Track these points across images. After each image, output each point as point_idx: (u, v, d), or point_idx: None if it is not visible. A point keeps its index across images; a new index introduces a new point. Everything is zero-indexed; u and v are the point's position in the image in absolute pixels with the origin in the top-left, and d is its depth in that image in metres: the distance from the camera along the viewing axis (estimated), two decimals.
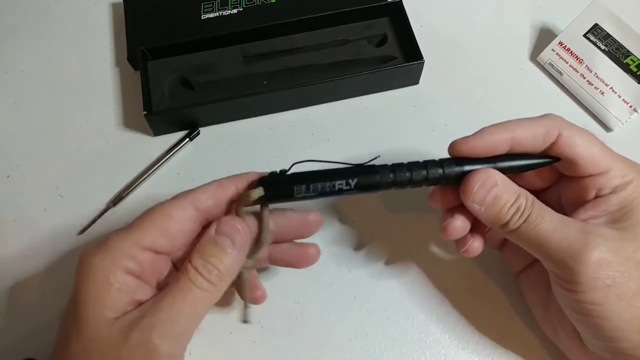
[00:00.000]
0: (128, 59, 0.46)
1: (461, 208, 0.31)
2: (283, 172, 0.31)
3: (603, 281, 0.27)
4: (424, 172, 0.30)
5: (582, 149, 0.29)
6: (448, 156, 0.31)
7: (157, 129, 0.43)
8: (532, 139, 0.30)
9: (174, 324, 0.27)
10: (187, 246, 0.31)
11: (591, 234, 0.28)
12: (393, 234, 0.39)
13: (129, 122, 0.44)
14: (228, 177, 0.31)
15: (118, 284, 0.27)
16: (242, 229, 0.29)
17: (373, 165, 0.30)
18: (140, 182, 0.41)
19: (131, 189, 0.41)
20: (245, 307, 0.32)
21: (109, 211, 0.41)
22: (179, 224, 0.29)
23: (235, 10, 0.47)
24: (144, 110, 0.41)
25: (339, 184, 0.29)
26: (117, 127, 0.44)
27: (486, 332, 0.36)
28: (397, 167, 0.30)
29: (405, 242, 0.39)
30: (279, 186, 0.30)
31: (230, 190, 0.31)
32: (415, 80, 0.45)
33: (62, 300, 0.37)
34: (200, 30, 0.46)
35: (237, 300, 0.37)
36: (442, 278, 0.38)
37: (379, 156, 0.31)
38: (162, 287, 0.29)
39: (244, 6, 0.47)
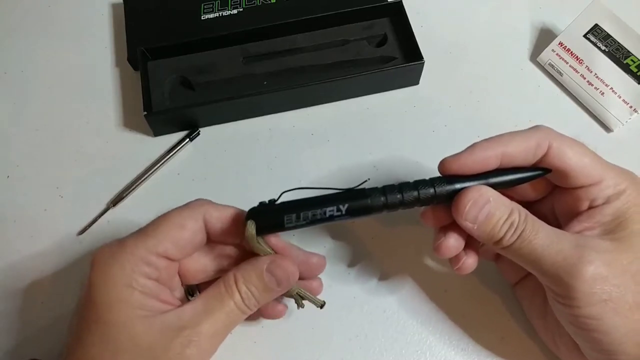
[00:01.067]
0: (128, 59, 0.46)
1: (454, 225, 0.31)
2: (272, 201, 0.30)
3: (599, 296, 0.27)
4: (415, 193, 0.29)
5: (573, 160, 0.29)
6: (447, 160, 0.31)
7: (157, 130, 0.43)
8: (523, 152, 0.29)
9: (212, 338, 0.28)
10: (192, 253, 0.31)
11: (586, 248, 0.27)
12: (393, 235, 0.39)
13: (129, 123, 0.44)
14: (242, 210, 0.32)
15: (141, 287, 0.28)
16: (293, 274, 0.30)
17: (363, 189, 0.30)
18: (140, 182, 0.41)
19: (131, 189, 0.41)
20: (311, 297, 0.32)
21: (109, 211, 0.41)
22: (190, 235, 0.30)
23: (235, 11, 0.47)
24: (144, 111, 0.41)
25: (330, 210, 0.29)
26: (117, 128, 0.44)
27: (486, 333, 0.36)
28: (388, 190, 0.30)
29: (406, 243, 0.39)
30: (269, 217, 0.29)
31: (239, 220, 0.31)
32: (415, 81, 0.45)
33: (64, 300, 0.37)
34: (200, 30, 0.46)
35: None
36: (442, 279, 0.38)
37: (369, 179, 0.31)
38: (176, 292, 0.32)
39: (244, 6, 0.47)
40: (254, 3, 0.47)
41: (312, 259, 0.33)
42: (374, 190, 0.30)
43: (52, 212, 0.41)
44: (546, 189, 0.33)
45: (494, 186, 0.30)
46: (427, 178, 0.30)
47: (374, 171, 0.42)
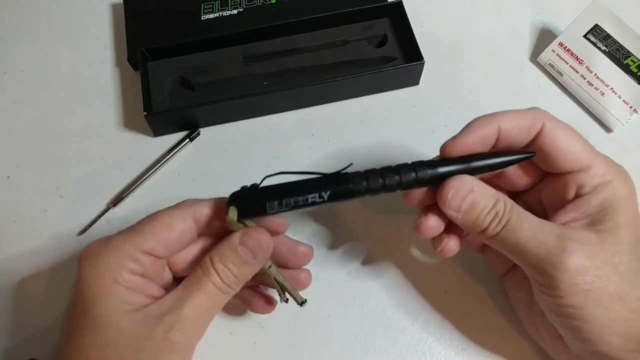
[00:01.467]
0: (128, 59, 0.46)
1: (437, 207, 0.31)
2: (254, 186, 0.30)
3: (581, 286, 0.27)
4: (397, 177, 0.29)
5: (564, 143, 0.29)
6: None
7: (157, 130, 0.43)
8: (517, 129, 0.30)
9: (196, 321, 0.29)
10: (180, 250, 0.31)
11: (569, 240, 0.28)
12: (393, 235, 0.39)
13: (129, 123, 0.44)
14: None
15: (126, 282, 0.28)
16: (266, 242, 0.30)
17: (345, 174, 0.30)
18: (141, 182, 0.41)
19: (131, 189, 0.41)
20: (293, 292, 0.32)
21: (109, 212, 0.41)
22: (179, 235, 0.30)
23: (235, 11, 0.47)
24: (144, 111, 0.41)
25: (312, 197, 0.29)
26: (117, 128, 0.44)
27: (486, 333, 0.36)
28: (369, 174, 0.29)
29: (405, 243, 0.39)
30: (250, 202, 0.29)
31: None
32: (415, 81, 0.45)
33: (64, 301, 0.37)
34: (200, 30, 0.46)
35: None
36: (442, 279, 0.38)
37: (352, 164, 0.31)
38: (166, 285, 0.31)
39: (244, 7, 0.47)
40: (254, 3, 0.47)
41: (300, 247, 0.33)
42: (355, 175, 0.30)
43: (52, 212, 0.41)
44: (534, 177, 0.33)
45: (479, 169, 0.30)
46: (409, 162, 0.30)
47: None
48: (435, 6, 0.50)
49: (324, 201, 0.29)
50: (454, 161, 0.30)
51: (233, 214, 0.29)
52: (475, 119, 0.30)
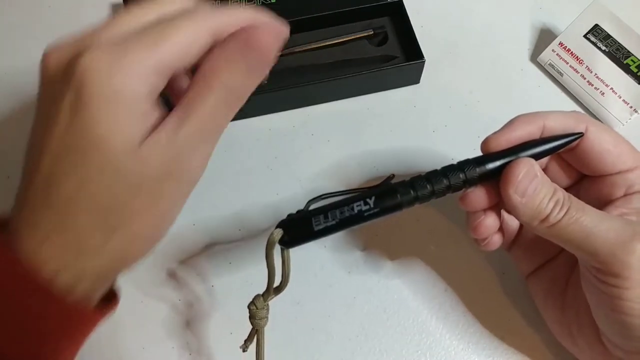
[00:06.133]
0: None
1: (491, 207, 0.30)
2: (299, 211, 0.30)
3: None
4: (446, 181, 0.28)
5: (611, 145, 0.29)
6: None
7: None
8: (562, 129, 0.29)
9: (203, 134, 0.24)
10: None
11: (637, 226, 0.27)
12: (393, 235, 0.39)
13: None
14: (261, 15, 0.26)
15: (143, 107, 0.22)
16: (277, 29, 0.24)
17: (392, 184, 0.29)
18: None
19: None
20: (261, 352, 0.31)
21: None
22: (198, 52, 0.23)
23: None
24: None
25: (357, 205, 0.28)
26: None
27: (487, 332, 0.36)
28: (416, 181, 0.29)
29: (406, 242, 0.39)
30: (297, 223, 0.28)
31: (248, 19, 0.25)
32: (416, 80, 0.45)
33: None
34: None
35: (235, 302, 0.37)
36: (442, 279, 0.38)
37: (394, 175, 0.30)
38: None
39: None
40: (254, 3, 0.47)
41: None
42: (402, 184, 0.29)
43: None
44: (572, 179, 0.32)
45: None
46: (454, 163, 0.29)
47: (375, 171, 0.42)
48: (435, 6, 0.50)
49: (370, 209, 0.28)
50: (501, 155, 0.29)
51: (277, 235, 0.28)
52: (519, 116, 0.30)
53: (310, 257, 0.39)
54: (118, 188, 0.22)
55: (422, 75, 0.45)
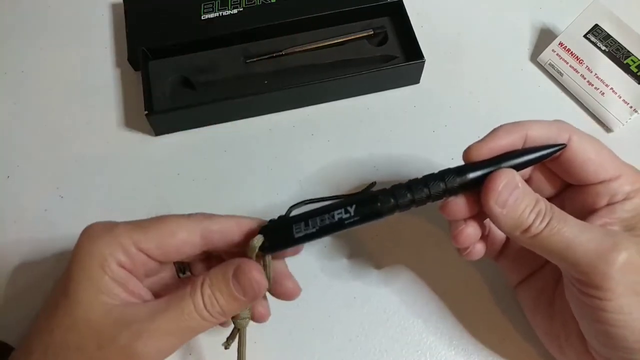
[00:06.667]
0: (128, 59, 0.46)
1: (472, 217, 0.30)
2: (282, 217, 0.30)
3: (632, 287, 0.26)
4: (426, 190, 0.28)
5: (594, 155, 0.29)
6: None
7: (158, 129, 0.43)
8: (545, 139, 0.29)
9: (162, 338, 0.27)
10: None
11: (617, 236, 0.27)
12: (393, 236, 0.39)
13: (130, 122, 0.44)
14: (249, 218, 0.30)
15: (112, 272, 0.27)
16: (258, 283, 0.28)
17: (372, 192, 0.29)
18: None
19: None
20: (242, 350, 0.31)
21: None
22: (179, 244, 0.29)
23: (235, 11, 0.47)
24: (145, 110, 0.41)
25: (338, 213, 0.28)
26: (118, 128, 0.44)
27: (487, 333, 0.36)
28: (397, 190, 0.29)
29: (406, 244, 0.39)
30: (278, 229, 0.29)
31: (244, 231, 0.30)
32: (415, 80, 0.45)
33: None
34: (200, 30, 0.46)
35: None
36: (442, 281, 0.38)
37: (375, 182, 0.31)
38: (154, 284, 0.31)
39: (244, 6, 0.47)
40: (254, 3, 0.47)
41: (289, 283, 0.31)
42: (383, 192, 0.29)
43: (52, 212, 0.41)
44: (556, 188, 0.32)
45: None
46: (435, 172, 0.29)
47: (374, 171, 0.42)
48: (435, 6, 0.50)
49: (350, 216, 0.28)
50: (482, 165, 0.29)
51: (258, 241, 0.28)
52: (501, 126, 0.30)
53: (310, 257, 0.39)
54: (70, 333, 0.27)
55: (422, 75, 0.45)
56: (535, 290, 0.33)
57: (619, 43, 0.43)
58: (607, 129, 0.44)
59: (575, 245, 0.27)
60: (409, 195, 0.29)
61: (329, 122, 0.44)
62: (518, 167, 0.29)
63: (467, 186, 0.29)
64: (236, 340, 0.31)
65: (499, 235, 0.34)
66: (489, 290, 0.37)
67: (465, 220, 0.30)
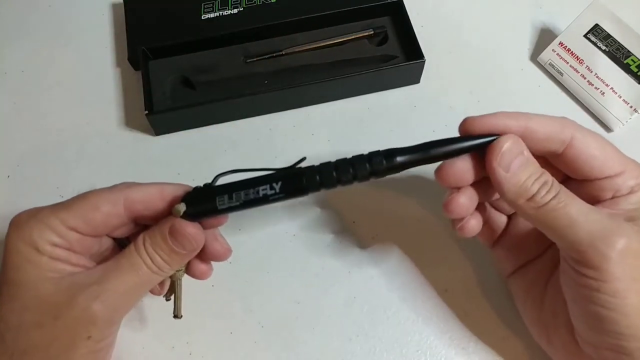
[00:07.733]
0: (129, 59, 0.46)
1: (469, 186, 0.30)
2: (207, 185, 0.30)
3: (630, 272, 0.26)
4: (352, 171, 0.29)
5: (599, 151, 0.29)
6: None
7: (159, 129, 0.43)
8: (546, 133, 0.29)
9: (121, 295, 0.28)
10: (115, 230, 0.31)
11: (622, 221, 0.27)
12: (394, 235, 0.39)
13: (130, 122, 0.44)
14: (172, 185, 0.31)
15: (49, 253, 0.28)
16: (194, 238, 0.29)
17: (300, 168, 0.29)
18: None
19: None
20: (178, 302, 0.32)
21: None
22: (104, 217, 0.29)
23: (235, 10, 0.47)
24: (145, 110, 0.41)
25: (263, 189, 0.28)
26: (118, 127, 0.44)
27: (487, 332, 0.36)
28: (323, 168, 0.29)
29: (406, 242, 0.39)
30: (201, 200, 0.29)
31: (167, 199, 0.30)
32: (416, 80, 0.45)
33: None
34: (200, 30, 0.46)
35: (236, 301, 0.37)
36: (443, 279, 0.38)
37: (305, 158, 0.31)
38: (97, 257, 0.31)
39: (244, 6, 0.47)
40: (254, 2, 0.47)
41: (217, 245, 0.32)
42: (309, 169, 0.29)
43: None
44: (560, 179, 0.32)
45: (439, 157, 0.29)
46: (365, 153, 0.29)
47: None
48: (435, 6, 0.50)
49: (275, 193, 0.29)
50: (414, 149, 0.29)
51: (178, 211, 0.28)
52: (505, 111, 0.30)
53: (311, 256, 0.39)
54: (25, 314, 0.27)
55: (422, 75, 0.45)
56: (527, 280, 0.34)
57: (619, 43, 0.43)
58: (607, 129, 0.44)
59: (580, 223, 0.27)
60: (334, 174, 0.29)
61: (329, 122, 0.44)
62: (445, 156, 0.29)
63: (394, 169, 0.29)
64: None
65: (498, 222, 0.34)
66: (490, 289, 0.37)
67: (458, 189, 0.30)
